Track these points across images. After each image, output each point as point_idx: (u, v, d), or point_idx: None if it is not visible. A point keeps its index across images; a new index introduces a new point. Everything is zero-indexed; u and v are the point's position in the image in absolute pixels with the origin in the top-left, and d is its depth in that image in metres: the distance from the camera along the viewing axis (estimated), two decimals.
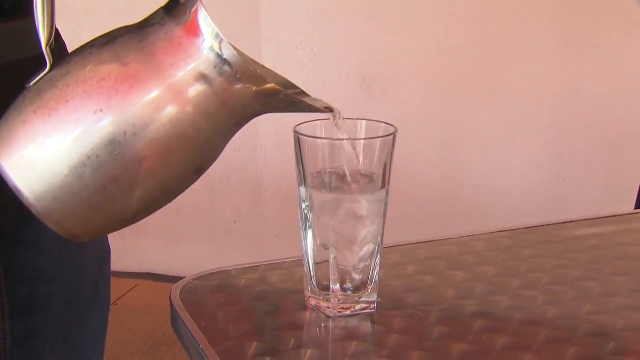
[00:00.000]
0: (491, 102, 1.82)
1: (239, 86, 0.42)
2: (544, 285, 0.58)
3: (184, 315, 0.53)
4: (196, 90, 0.42)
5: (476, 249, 0.65)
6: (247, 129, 0.47)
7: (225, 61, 0.41)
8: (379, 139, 0.51)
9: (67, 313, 0.61)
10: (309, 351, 0.49)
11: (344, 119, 0.49)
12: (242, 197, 1.99)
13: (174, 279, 0.59)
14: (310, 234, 0.52)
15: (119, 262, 2.04)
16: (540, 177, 1.84)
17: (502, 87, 1.81)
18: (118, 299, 1.89)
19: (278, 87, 0.43)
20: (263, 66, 0.48)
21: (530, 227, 0.69)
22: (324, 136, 0.52)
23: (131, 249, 2.08)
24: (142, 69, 0.41)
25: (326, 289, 0.52)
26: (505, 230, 0.68)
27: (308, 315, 0.53)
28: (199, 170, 0.44)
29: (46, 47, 0.43)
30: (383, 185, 0.52)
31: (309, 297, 0.54)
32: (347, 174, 0.50)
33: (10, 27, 0.52)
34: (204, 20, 0.41)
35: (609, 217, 0.72)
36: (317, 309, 0.53)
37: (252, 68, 0.42)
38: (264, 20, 1.87)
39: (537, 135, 1.82)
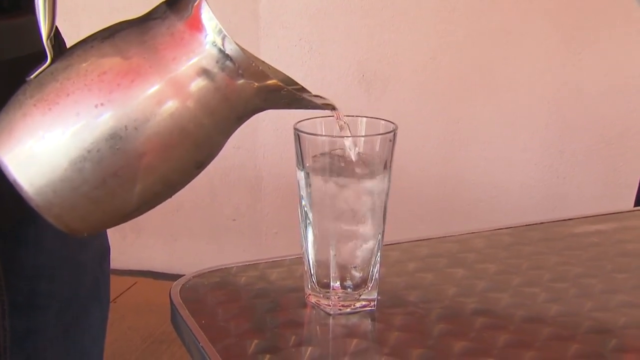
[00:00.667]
0: (491, 99, 1.82)
1: (240, 81, 0.42)
2: (545, 282, 0.58)
3: (184, 312, 0.53)
4: (198, 85, 0.42)
5: (477, 246, 0.64)
6: (246, 126, 0.46)
7: (227, 56, 0.41)
8: (379, 136, 0.51)
9: (67, 310, 0.61)
10: (309, 349, 0.49)
11: (344, 116, 0.49)
12: (242, 195, 1.99)
13: (174, 277, 0.59)
14: (310, 231, 0.52)
15: (118, 259, 2.04)
16: (540, 174, 1.84)
17: (502, 84, 1.81)
18: (118, 297, 1.88)
19: (280, 84, 0.43)
20: (264, 62, 0.47)
21: (531, 225, 0.69)
22: (323, 133, 0.51)
23: (131, 247, 2.08)
24: (143, 62, 0.41)
25: (326, 286, 0.52)
26: (507, 228, 0.68)
27: (308, 312, 0.53)
28: (200, 165, 0.44)
29: (47, 40, 0.42)
30: (383, 182, 0.51)
31: (309, 294, 0.54)
32: (348, 156, 0.50)
33: (10, 24, 0.52)
34: (207, 15, 0.41)
35: (609, 214, 0.71)
36: (317, 306, 0.53)
37: (254, 64, 0.42)
38: (263, 17, 1.87)
39: (537, 132, 1.82)
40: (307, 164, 0.51)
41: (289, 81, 0.47)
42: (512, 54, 1.78)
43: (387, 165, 0.51)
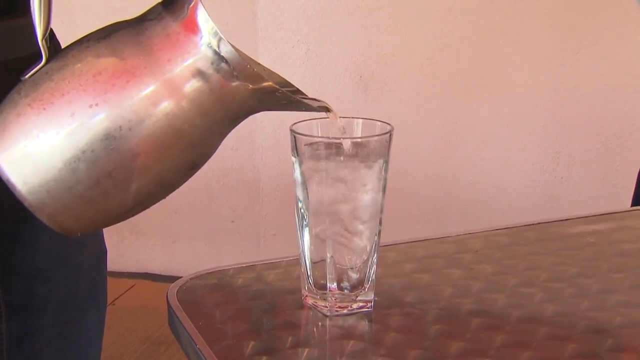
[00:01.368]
0: (488, 99, 1.82)
1: (235, 83, 0.42)
2: (542, 282, 0.58)
3: (181, 314, 0.53)
4: (192, 86, 0.42)
5: (474, 247, 0.65)
6: (244, 128, 0.46)
7: (222, 58, 0.41)
8: (376, 137, 0.51)
9: (64, 312, 0.61)
10: (306, 350, 0.49)
11: (339, 117, 0.49)
12: (240, 197, 1.99)
13: (172, 279, 0.59)
14: (306, 232, 0.52)
15: (116, 261, 2.04)
16: (537, 174, 1.84)
17: (499, 84, 1.81)
18: (116, 299, 1.88)
19: (275, 85, 0.43)
20: (260, 64, 0.48)
21: (528, 225, 0.69)
22: (320, 134, 0.51)
23: (129, 249, 2.07)
24: (138, 63, 0.41)
25: (323, 287, 0.52)
26: (503, 228, 0.68)
27: (305, 314, 0.53)
28: (194, 166, 0.44)
29: (42, 40, 0.42)
30: (380, 182, 0.51)
31: (306, 295, 0.54)
32: (345, 154, 0.50)
33: (6, 26, 0.52)
34: (202, 16, 0.41)
35: (606, 214, 0.71)
36: (314, 307, 0.53)
37: (249, 66, 0.42)
38: (261, 19, 1.87)
39: (534, 132, 1.82)
40: (304, 165, 0.51)
41: (285, 83, 0.47)
42: (509, 54, 1.78)
43: (383, 166, 0.51)
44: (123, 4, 1.77)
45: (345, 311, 0.53)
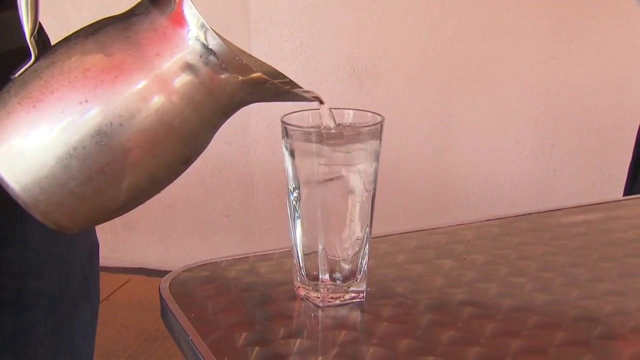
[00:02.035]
0: (482, 92, 1.83)
1: (225, 75, 0.42)
2: (533, 272, 0.58)
3: (173, 306, 0.53)
4: (182, 80, 0.42)
5: (465, 237, 0.65)
6: (237, 121, 0.47)
7: (210, 51, 0.41)
8: (367, 128, 0.51)
9: (56, 308, 0.61)
10: (298, 340, 0.49)
11: (330, 108, 0.49)
12: (234, 191, 1.99)
13: (166, 274, 0.59)
14: (298, 223, 0.52)
15: (111, 257, 2.04)
16: (531, 167, 1.84)
17: (493, 77, 1.81)
18: (110, 294, 1.88)
19: (264, 77, 0.43)
20: (250, 55, 0.48)
21: (520, 215, 0.69)
22: (311, 125, 0.52)
23: (123, 244, 2.07)
24: (127, 58, 0.41)
25: (315, 278, 0.52)
26: (495, 219, 0.69)
27: (297, 305, 0.53)
28: (187, 160, 0.44)
29: (30, 38, 0.42)
30: (371, 173, 0.52)
31: (299, 287, 0.54)
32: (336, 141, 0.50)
33: None
34: (189, 9, 0.41)
35: (596, 204, 0.72)
36: (306, 298, 0.53)
37: (237, 57, 0.42)
38: (253, 13, 1.86)
39: (527, 125, 1.82)
40: (294, 154, 0.51)
41: (275, 73, 0.47)
42: (503, 47, 1.79)
43: (375, 157, 0.51)
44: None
45: (337, 302, 0.53)
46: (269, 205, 1.98)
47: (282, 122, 0.51)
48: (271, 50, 1.86)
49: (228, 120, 0.46)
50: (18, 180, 0.42)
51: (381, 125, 0.51)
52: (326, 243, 0.51)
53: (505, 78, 1.80)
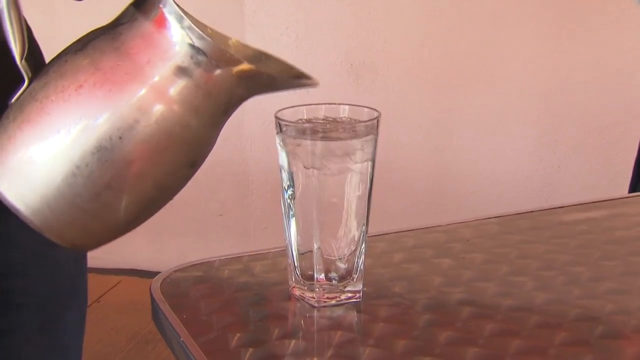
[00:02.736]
0: (482, 88, 1.81)
1: (218, 72, 0.42)
2: (533, 271, 0.57)
3: (165, 307, 0.52)
4: (178, 85, 0.42)
5: (464, 236, 0.64)
6: (231, 118, 0.46)
7: (199, 50, 0.41)
8: (363, 124, 0.50)
9: (43, 308, 0.60)
10: (293, 341, 0.48)
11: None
12: (229, 190, 1.98)
13: None
14: (293, 222, 0.51)
15: (102, 257, 2.01)
16: (534, 164, 1.83)
17: (493, 72, 1.80)
18: (101, 296, 1.86)
19: (254, 68, 0.42)
20: (230, 38, 0.47)
21: (520, 213, 0.68)
22: (305, 120, 0.50)
23: (114, 244, 2.02)
24: (118, 70, 0.41)
25: (310, 278, 0.51)
26: (494, 217, 0.68)
27: (292, 305, 0.52)
28: (194, 164, 0.44)
29: (21, 61, 0.43)
30: (367, 170, 0.51)
31: (294, 287, 0.53)
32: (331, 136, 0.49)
33: None
34: (170, 9, 0.41)
35: (599, 201, 0.71)
36: (301, 299, 0.52)
37: (226, 52, 0.42)
38: (248, 5, 1.84)
39: (530, 122, 1.81)
40: (289, 152, 0.50)
41: (260, 54, 0.47)
42: (503, 42, 1.77)
43: (371, 153, 0.50)
44: None
45: (333, 302, 0.52)
46: (265, 204, 1.96)
47: (276, 117, 0.50)
48: (266, 44, 1.84)
49: None
50: (28, 204, 0.42)
51: (377, 121, 0.50)
52: (322, 242, 0.50)
53: (506, 73, 1.79)
